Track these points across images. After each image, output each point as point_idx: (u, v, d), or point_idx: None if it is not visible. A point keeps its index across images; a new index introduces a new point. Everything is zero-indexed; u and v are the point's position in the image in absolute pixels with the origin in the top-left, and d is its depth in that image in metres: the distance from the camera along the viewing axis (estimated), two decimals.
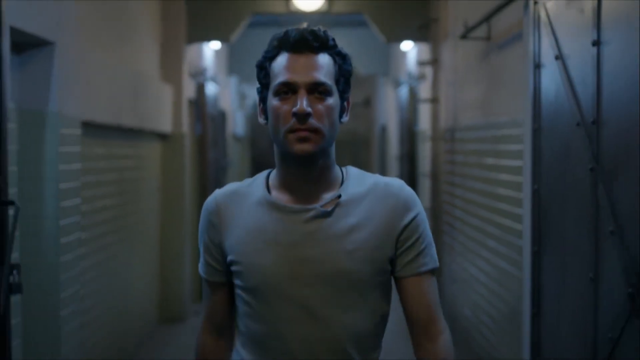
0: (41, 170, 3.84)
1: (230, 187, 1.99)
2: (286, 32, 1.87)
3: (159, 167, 7.48)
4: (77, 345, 4.16)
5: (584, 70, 3.22)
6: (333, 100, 1.86)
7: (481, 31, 5.41)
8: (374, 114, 16.11)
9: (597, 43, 3.07)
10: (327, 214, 1.87)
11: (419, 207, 1.93)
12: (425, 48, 8.16)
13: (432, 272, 1.93)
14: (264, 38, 1.95)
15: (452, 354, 1.93)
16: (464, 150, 6.26)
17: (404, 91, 9.95)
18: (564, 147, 3.51)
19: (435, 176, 7.59)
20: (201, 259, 2.01)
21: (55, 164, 3.88)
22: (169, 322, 7.52)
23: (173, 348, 6.68)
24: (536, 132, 3.92)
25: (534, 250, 3.93)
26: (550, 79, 3.70)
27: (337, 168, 1.95)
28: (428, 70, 7.92)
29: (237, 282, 1.93)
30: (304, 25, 1.90)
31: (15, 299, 3.44)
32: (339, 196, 1.89)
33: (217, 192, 1.99)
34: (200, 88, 8.53)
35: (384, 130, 13.84)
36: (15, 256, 3.37)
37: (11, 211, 3.20)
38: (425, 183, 8.19)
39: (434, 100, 7.55)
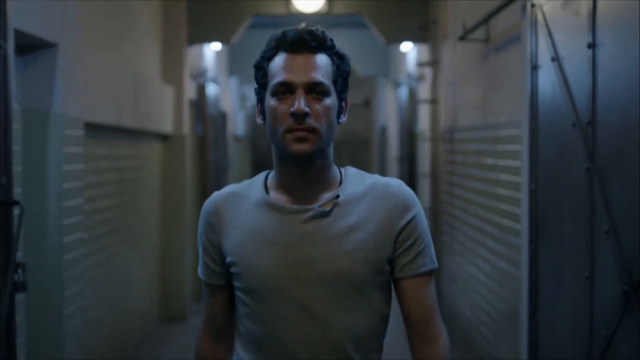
0: (45, 171, 3.87)
1: (228, 188, 1.97)
2: (284, 32, 1.85)
3: (160, 167, 7.50)
4: (79, 344, 4.17)
5: (580, 71, 3.26)
6: (331, 101, 1.84)
7: (480, 33, 5.44)
8: (373, 114, 16.13)
9: (592, 45, 3.11)
10: (325, 214, 1.85)
11: (418, 208, 1.91)
12: (424, 49, 8.17)
13: (431, 273, 1.90)
14: (265, 39, 1.93)
15: (447, 358, 1.90)
16: (464, 150, 6.28)
17: (403, 92, 9.96)
18: (560, 147, 3.55)
19: (434, 176, 7.61)
20: (200, 262, 1.99)
21: (58, 164, 3.91)
22: (169, 321, 7.53)
23: (173, 348, 6.69)
24: (533, 132, 3.95)
25: (532, 249, 3.96)
26: (547, 80, 3.74)
27: (335, 168, 1.93)
28: (427, 71, 7.93)
29: (236, 283, 1.91)
30: (302, 25, 1.89)
31: (19, 297, 3.46)
32: (337, 196, 1.87)
33: (216, 194, 1.96)
34: (201, 89, 8.55)
35: (383, 131, 13.85)
36: (19, 255, 3.40)
37: (16, 211, 3.21)
38: (424, 183, 8.20)
39: (434, 101, 7.57)
